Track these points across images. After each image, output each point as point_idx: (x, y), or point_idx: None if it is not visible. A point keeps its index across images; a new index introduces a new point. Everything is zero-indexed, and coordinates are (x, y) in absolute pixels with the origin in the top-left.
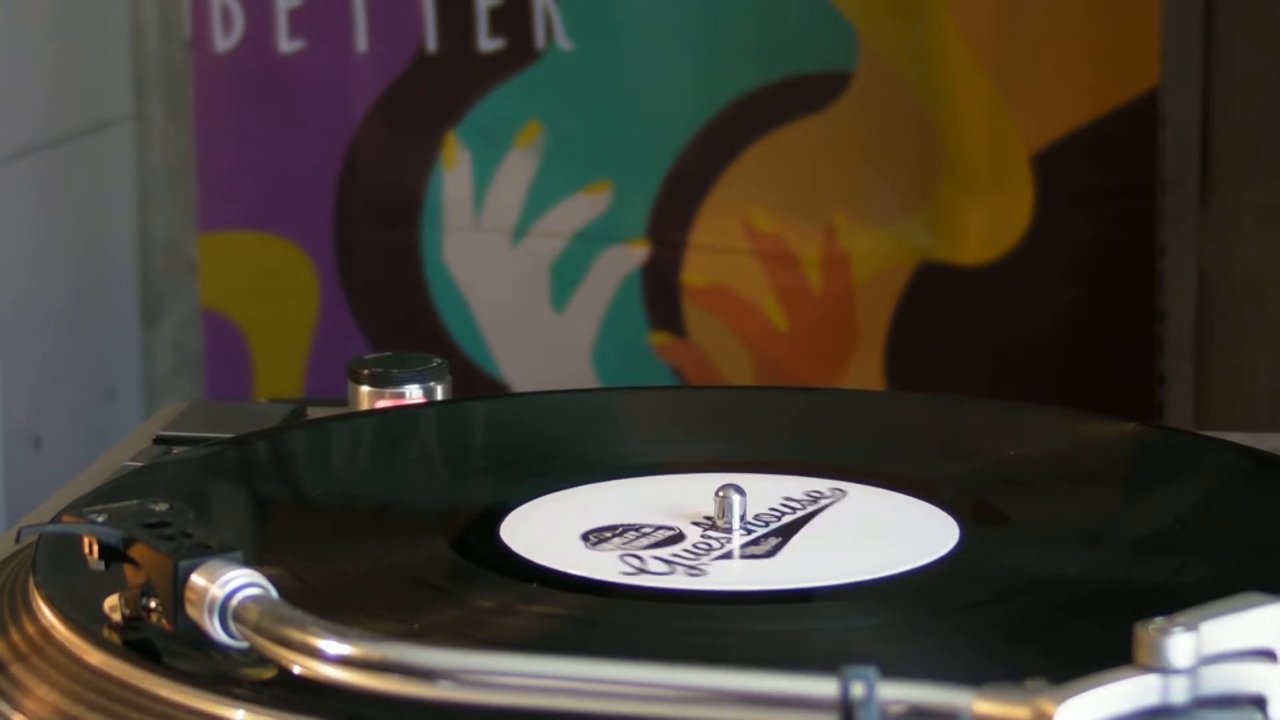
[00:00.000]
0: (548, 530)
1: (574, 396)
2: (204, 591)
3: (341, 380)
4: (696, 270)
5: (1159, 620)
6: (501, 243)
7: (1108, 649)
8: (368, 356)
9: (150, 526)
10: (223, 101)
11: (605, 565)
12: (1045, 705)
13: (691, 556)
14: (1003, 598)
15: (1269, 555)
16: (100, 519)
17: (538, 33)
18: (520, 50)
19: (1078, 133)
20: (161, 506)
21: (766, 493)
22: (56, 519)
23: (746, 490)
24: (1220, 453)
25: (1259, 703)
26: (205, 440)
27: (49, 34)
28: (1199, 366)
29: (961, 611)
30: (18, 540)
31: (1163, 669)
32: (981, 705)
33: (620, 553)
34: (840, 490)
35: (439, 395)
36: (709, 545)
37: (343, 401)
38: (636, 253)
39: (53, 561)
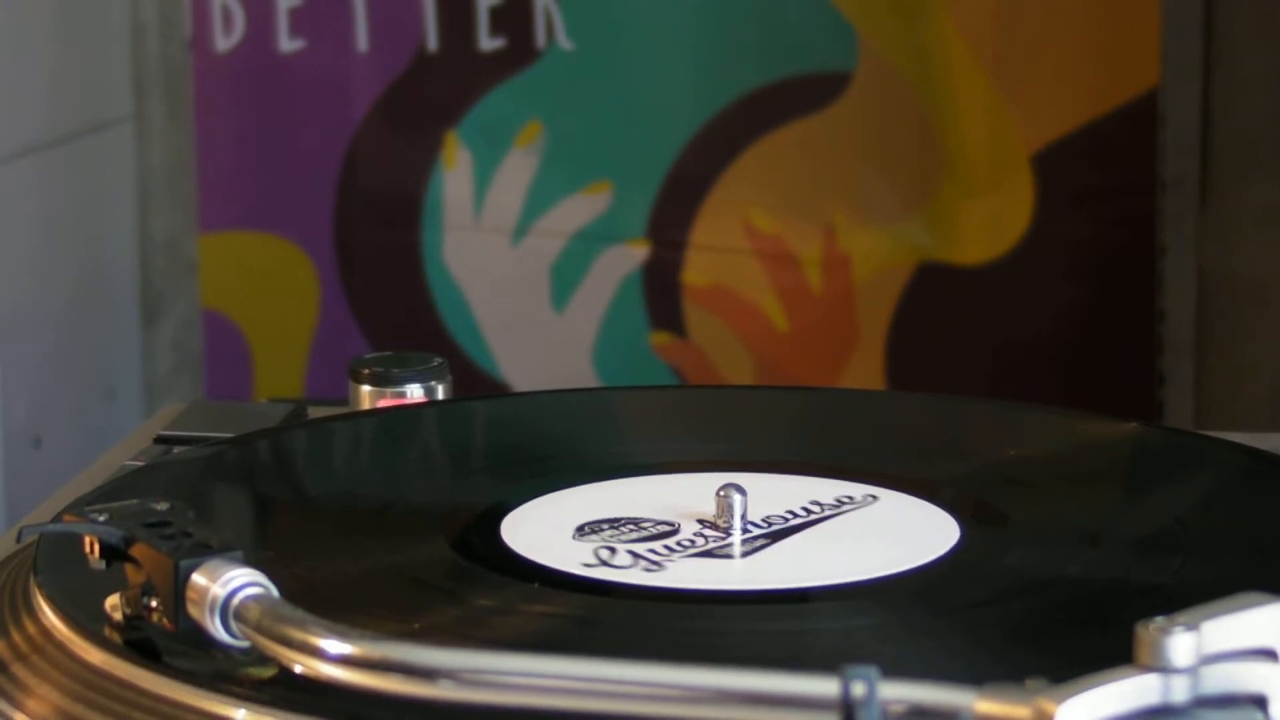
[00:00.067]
0: (548, 530)
1: (574, 396)
2: (205, 591)
3: (341, 380)
4: (696, 270)
5: (1159, 620)
6: (502, 243)
7: (1108, 649)
8: (368, 356)
9: (151, 526)
10: (223, 101)
11: (571, 555)
12: (1046, 705)
13: (665, 553)
14: (1003, 598)
15: (1269, 555)
16: (101, 518)
17: (538, 32)
18: (521, 50)
19: (1078, 133)
20: (162, 506)
21: (794, 493)
22: (57, 518)
23: (747, 490)
24: (1220, 453)
25: (1259, 702)
26: (206, 440)
27: (49, 34)
28: (1199, 366)
29: (961, 611)
30: (18, 540)
31: (1163, 668)
32: (982, 705)
33: (597, 545)
34: (873, 496)
35: (439, 395)
36: (691, 543)
37: (343, 401)
38: (636, 253)
39: (53, 561)
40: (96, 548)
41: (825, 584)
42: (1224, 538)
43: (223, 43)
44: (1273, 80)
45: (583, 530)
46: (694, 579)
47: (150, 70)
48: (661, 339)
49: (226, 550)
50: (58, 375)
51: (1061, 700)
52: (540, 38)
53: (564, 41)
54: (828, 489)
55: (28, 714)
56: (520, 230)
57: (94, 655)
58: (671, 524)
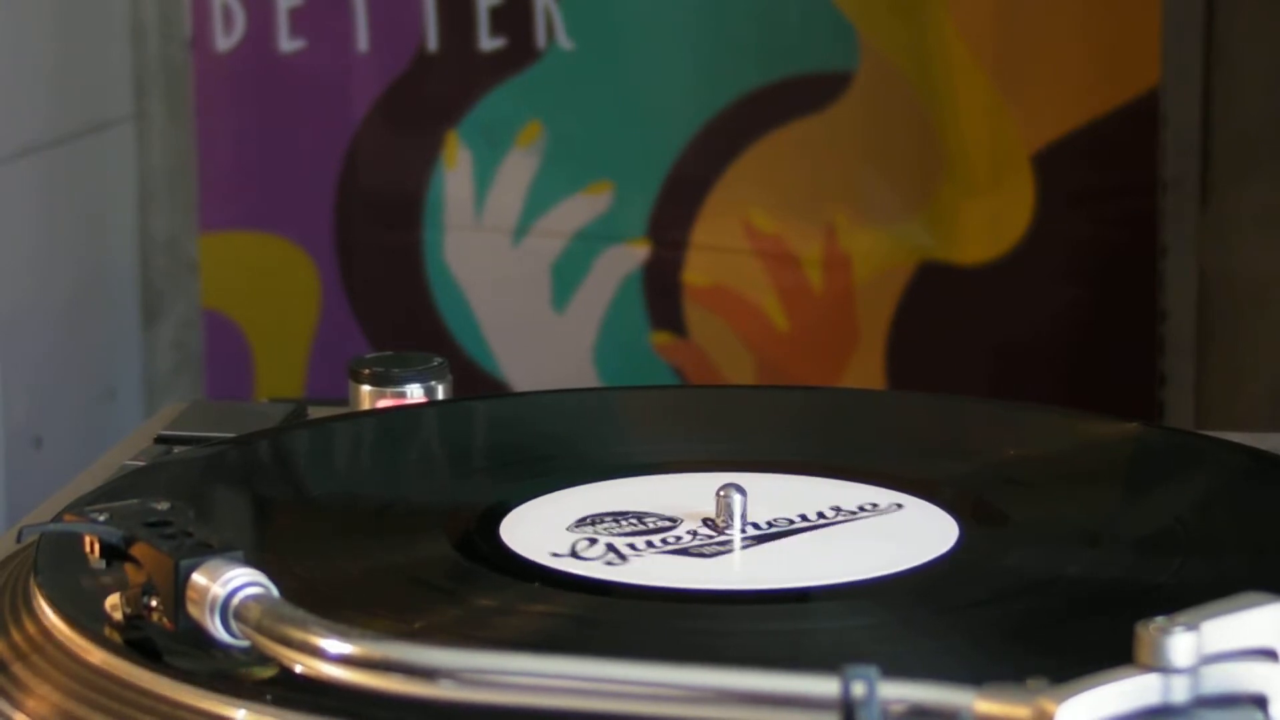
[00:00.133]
0: (548, 530)
1: (574, 396)
2: (205, 590)
3: (342, 380)
4: (697, 270)
5: (1160, 620)
6: (502, 242)
7: (1108, 648)
8: (368, 356)
9: (151, 525)
10: (223, 101)
11: (544, 547)
12: (1046, 704)
13: (642, 549)
14: (1003, 598)
15: (1269, 555)
16: (101, 518)
17: (538, 32)
18: (521, 50)
19: (1078, 133)
20: (162, 506)
21: (812, 497)
22: (58, 518)
23: (748, 490)
24: (1220, 453)
25: (1260, 702)
26: (206, 440)
27: (49, 34)
28: (1199, 366)
29: (961, 611)
30: (19, 540)
31: (1164, 668)
32: (982, 704)
33: (579, 537)
34: (899, 505)
35: (440, 395)
36: (676, 539)
37: (343, 401)
38: (637, 252)
39: (54, 561)
40: (97, 547)
41: (825, 584)
42: (1224, 538)
43: (223, 43)
44: (1273, 80)
45: (583, 522)
46: (659, 576)
47: (150, 70)
48: (662, 339)
49: (227, 550)
50: (58, 375)
51: (1061, 700)
52: (540, 38)
53: (564, 41)
54: (852, 495)
55: (28, 714)
56: (521, 230)
57: (94, 655)
58: (673, 520)
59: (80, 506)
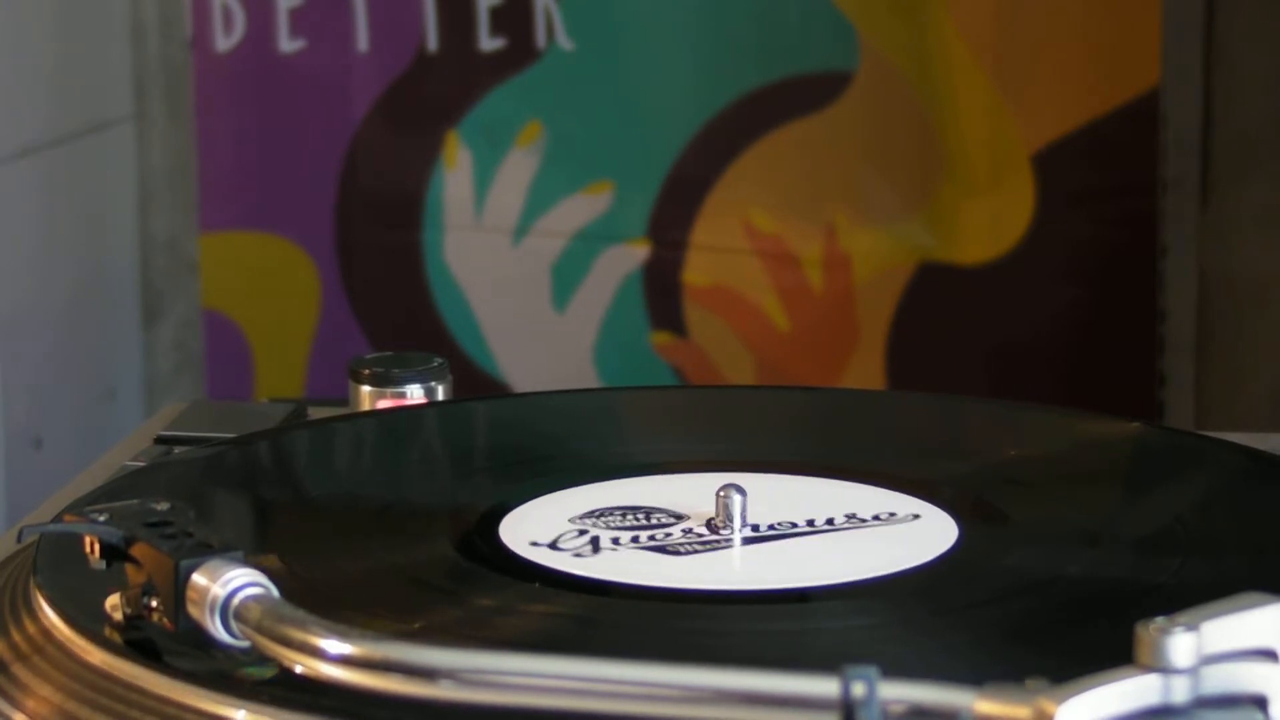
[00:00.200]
0: (548, 530)
1: (574, 396)
2: (205, 591)
3: (342, 380)
4: (697, 270)
5: (1160, 620)
6: (502, 242)
7: (1108, 649)
8: (368, 356)
9: (151, 526)
10: (223, 101)
11: (524, 537)
12: (1046, 705)
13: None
14: (1003, 598)
15: (1269, 555)
16: (101, 518)
17: (538, 32)
18: (521, 50)
19: (1078, 133)
20: (163, 506)
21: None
22: (58, 518)
23: (747, 490)
24: (1220, 453)
25: (1260, 703)
26: (206, 440)
27: (49, 34)
28: (1199, 366)
29: (961, 611)
30: (19, 540)
31: (1164, 669)
32: (982, 705)
33: (575, 529)
34: (916, 515)
35: (440, 395)
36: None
37: (344, 401)
38: (637, 252)
39: (54, 561)
40: (97, 548)
41: (825, 584)
42: (1224, 538)
43: (223, 43)
44: (1273, 80)
45: (589, 515)
46: (638, 573)
47: (150, 70)
48: (662, 339)
49: (227, 550)
50: (58, 375)
51: (1061, 700)
52: (540, 38)
53: (564, 41)
54: (855, 498)
55: (28, 714)
56: (521, 230)
57: (94, 655)
58: (677, 517)
59: (80, 506)
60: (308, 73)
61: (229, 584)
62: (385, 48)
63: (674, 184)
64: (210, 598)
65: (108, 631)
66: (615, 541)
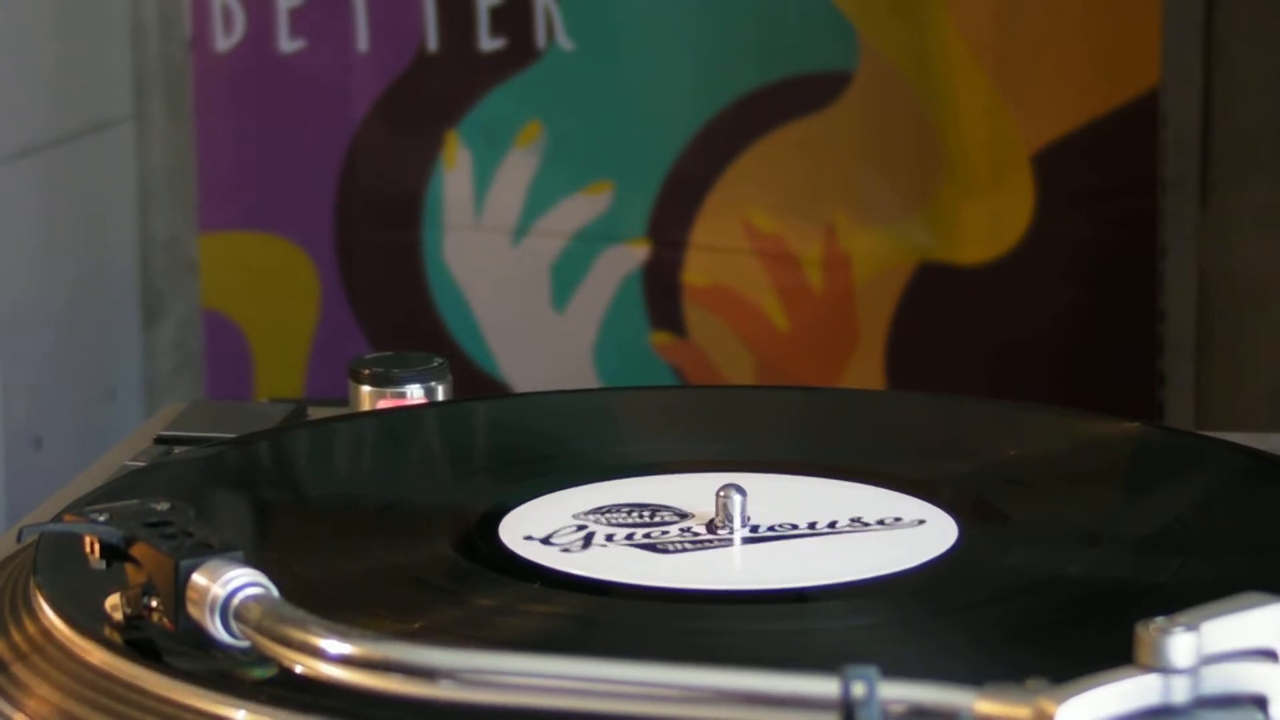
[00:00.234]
0: (548, 530)
1: (574, 397)
2: (205, 590)
3: (342, 380)
4: (697, 270)
5: (1160, 620)
6: (502, 242)
7: (1108, 649)
8: (368, 356)
9: (151, 526)
10: (223, 101)
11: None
12: (1046, 705)
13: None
14: (1002, 598)
15: (1269, 555)
16: (101, 518)
17: (538, 32)
18: (521, 50)
19: (1078, 133)
20: (163, 506)
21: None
22: (57, 518)
23: (747, 490)
24: (1220, 453)
25: (1260, 703)
26: (206, 440)
27: (49, 34)
28: (1199, 366)
29: (961, 611)
30: (19, 540)
31: (1164, 669)
32: (982, 705)
33: (575, 523)
34: (921, 520)
35: (440, 395)
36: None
37: (343, 401)
38: (637, 252)
39: (54, 561)
40: (97, 547)
41: (825, 584)
42: (1224, 538)
43: (223, 43)
44: (1273, 80)
45: (594, 512)
46: (620, 570)
47: (150, 70)
48: (662, 339)
49: (227, 550)
50: (58, 375)
51: (1061, 700)
52: (540, 38)
53: (564, 41)
54: (860, 500)
55: (28, 714)
56: (520, 230)
57: (94, 655)
58: (684, 514)
59: (80, 506)
60: (308, 73)
61: (229, 584)
62: (385, 48)
63: (674, 184)
64: (210, 598)
65: (108, 631)
66: (609, 538)
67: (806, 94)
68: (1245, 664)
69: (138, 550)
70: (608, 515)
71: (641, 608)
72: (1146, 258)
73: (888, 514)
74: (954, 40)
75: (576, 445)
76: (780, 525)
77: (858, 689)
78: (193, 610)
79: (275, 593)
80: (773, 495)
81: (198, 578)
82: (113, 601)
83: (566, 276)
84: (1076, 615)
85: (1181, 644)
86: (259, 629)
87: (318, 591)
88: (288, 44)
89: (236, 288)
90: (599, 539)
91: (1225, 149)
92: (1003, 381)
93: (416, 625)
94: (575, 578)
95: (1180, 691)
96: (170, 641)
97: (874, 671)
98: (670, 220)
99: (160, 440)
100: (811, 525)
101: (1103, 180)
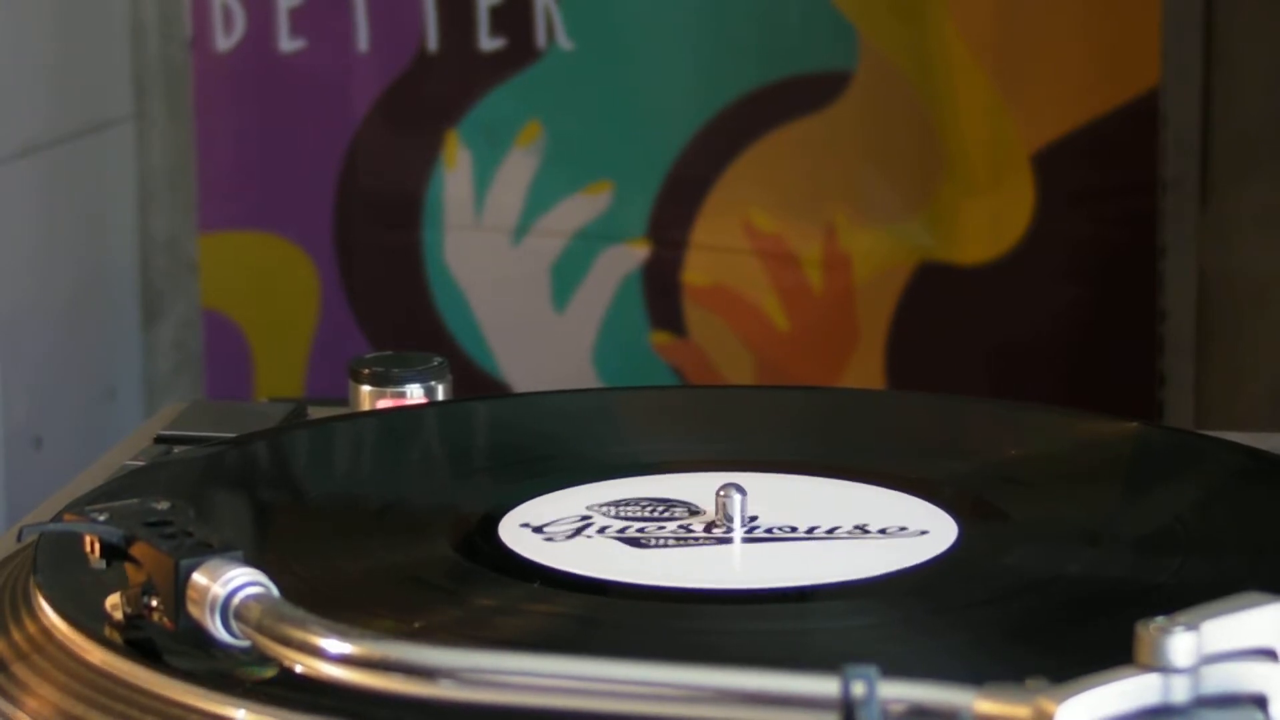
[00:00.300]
0: (548, 529)
1: (574, 396)
2: (205, 590)
3: (342, 380)
4: (697, 270)
5: (1160, 619)
6: (502, 242)
7: (1108, 648)
8: (368, 356)
9: (151, 525)
10: (223, 101)
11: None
12: (1046, 704)
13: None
14: (1002, 597)
15: (1269, 555)
16: (101, 518)
17: (538, 32)
18: (521, 50)
19: (1078, 133)
20: (163, 505)
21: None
22: (57, 518)
23: (747, 490)
24: (1220, 453)
25: (1260, 702)
26: (206, 440)
27: (49, 34)
28: (1199, 366)
29: (961, 611)
30: (19, 539)
31: (1164, 668)
32: (982, 704)
33: (580, 514)
34: (924, 530)
35: (440, 395)
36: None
37: (343, 401)
38: (637, 252)
39: (54, 560)
40: (97, 547)
41: (825, 583)
42: (1224, 538)
43: (223, 43)
44: (1273, 80)
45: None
46: (581, 563)
47: (150, 70)
48: (662, 339)
49: (227, 549)
50: (58, 375)
51: (1061, 700)
52: (540, 38)
53: (564, 41)
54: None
55: (28, 714)
56: (520, 230)
57: (94, 655)
58: (696, 510)
59: (80, 506)
60: (308, 72)
61: (229, 583)
62: (385, 48)
63: (674, 184)
64: (210, 597)
65: (108, 631)
66: (601, 530)
67: (806, 94)
68: (1245, 663)
69: (138, 550)
70: (622, 508)
71: (642, 607)
72: (1146, 258)
73: (888, 515)
74: (954, 40)
75: (576, 445)
76: (780, 527)
77: (858, 688)
78: (193, 610)
79: (275, 592)
80: (773, 495)
81: (198, 577)
82: (113, 601)
83: (566, 276)
84: (1076, 615)
85: (1181, 643)
86: (259, 628)
87: (318, 591)
88: (288, 44)
89: (236, 288)
90: (590, 532)
91: (1225, 149)
92: (1003, 381)
93: (416, 625)
94: (576, 577)
95: (1180, 691)
96: (170, 641)
97: (874, 671)
98: (670, 220)
99: (160, 440)
100: (810, 530)
101: (1103, 180)
